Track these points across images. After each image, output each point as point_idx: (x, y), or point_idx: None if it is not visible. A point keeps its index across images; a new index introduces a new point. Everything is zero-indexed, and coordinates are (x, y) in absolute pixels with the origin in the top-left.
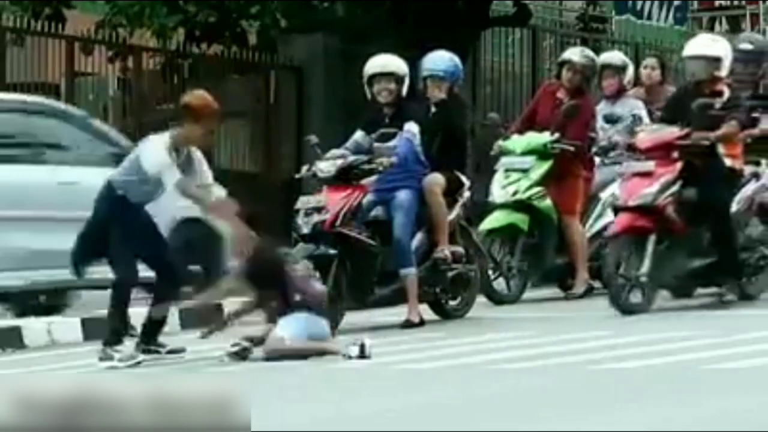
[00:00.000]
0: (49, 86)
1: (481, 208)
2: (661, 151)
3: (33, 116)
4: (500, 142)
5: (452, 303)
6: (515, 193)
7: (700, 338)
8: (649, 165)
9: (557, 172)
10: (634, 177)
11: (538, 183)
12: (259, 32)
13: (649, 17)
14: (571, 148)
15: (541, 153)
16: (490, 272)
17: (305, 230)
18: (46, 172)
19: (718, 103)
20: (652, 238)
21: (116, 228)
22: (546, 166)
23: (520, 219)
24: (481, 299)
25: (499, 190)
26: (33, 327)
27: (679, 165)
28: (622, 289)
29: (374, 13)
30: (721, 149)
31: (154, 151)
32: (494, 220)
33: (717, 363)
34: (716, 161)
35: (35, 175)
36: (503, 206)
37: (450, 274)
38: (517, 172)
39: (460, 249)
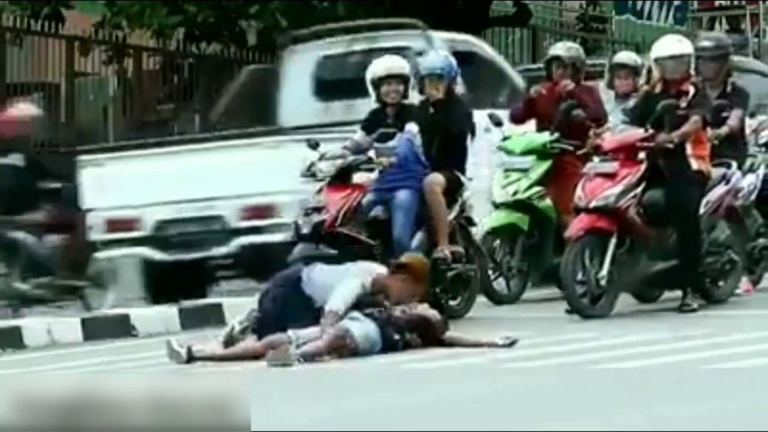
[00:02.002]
0: (49, 86)
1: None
2: (625, 152)
3: None
4: (500, 143)
5: (452, 303)
6: (515, 193)
7: (700, 338)
8: (613, 166)
9: (557, 172)
10: (597, 177)
11: (537, 183)
12: (258, 32)
13: (649, 17)
14: (570, 148)
15: (540, 153)
16: (490, 272)
17: (305, 230)
18: None
19: (683, 102)
20: (613, 240)
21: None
22: (545, 165)
23: (520, 219)
24: (481, 299)
25: (498, 190)
26: (33, 327)
27: (643, 166)
28: (584, 293)
29: (374, 13)
30: (688, 150)
31: (347, 290)
32: (494, 219)
33: (717, 363)
34: (682, 163)
35: None
36: (503, 206)
37: (450, 274)
38: (516, 172)
39: (460, 249)
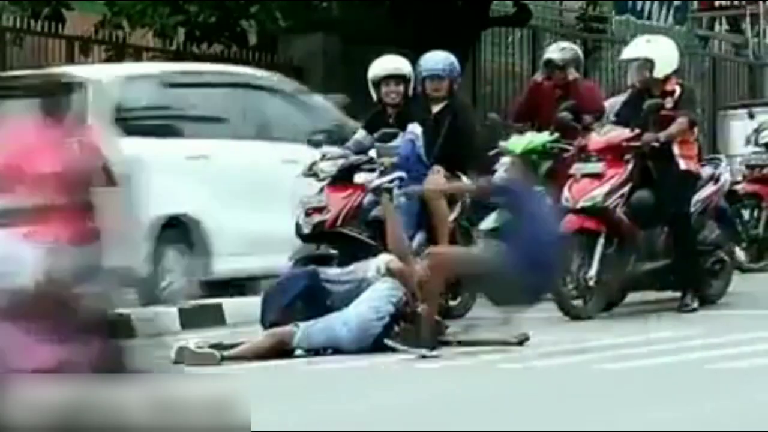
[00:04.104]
0: None
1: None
2: (612, 153)
3: None
4: (501, 142)
5: (452, 303)
6: None
7: (700, 338)
8: (599, 166)
9: (557, 172)
10: (584, 178)
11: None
12: (259, 32)
13: (649, 17)
14: (570, 148)
15: (540, 153)
16: None
17: (306, 230)
18: None
19: (669, 102)
20: (601, 240)
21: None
22: (545, 165)
23: None
24: (481, 299)
25: None
26: None
27: (629, 166)
28: (572, 293)
29: (374, 13)
30: (675, 150)
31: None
32: (494, 220)
33: (717, 363)
34: (671, 163)
35: None
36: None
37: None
38: None
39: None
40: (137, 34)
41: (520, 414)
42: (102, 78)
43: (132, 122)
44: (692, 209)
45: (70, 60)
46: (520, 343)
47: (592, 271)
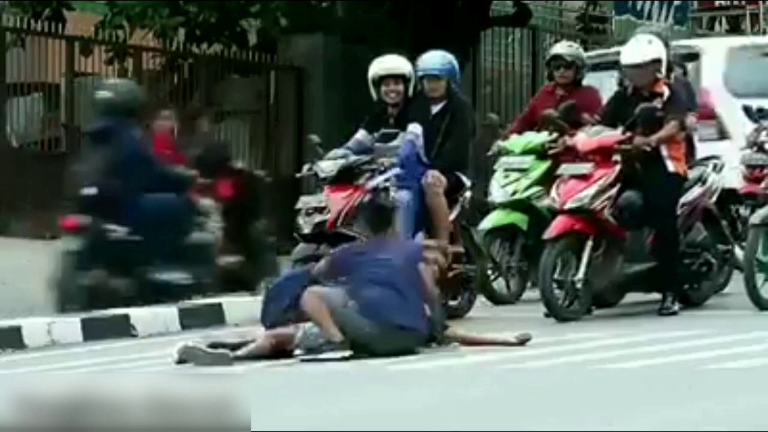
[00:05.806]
0: (49, 86)
1: (480, 207)
2: (601, 154)
3: None
4: (500, 142)
5: (452, 303)
6: (514, 193)
7: (700, 338)
8: (587, 167)
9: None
10: (572, 179)
11: (537, 182)
12: (259, 32)
13: (649, 17)
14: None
15: (540, 153)
16: (489, 272)
17: (306, 230)
18: None
19: (658, 103)
20: (589, 242)
21: None
22: (545, 165)
23: (520, 219)
24: (481, 299)
25: (498, 190)
26: (33, 327)
27: (617, 168)
28: (560, 295)
29: (374, 13)
30: (663, 152)
31: None
32: (494, 219)
33: (717, 363)
34: (658, 165)
35: None
36: (502, 206)
37: (450, 274)
38: (516, 172)
39: (460, 249)
40: (137, 35)
41: (519, 414)
42: (715, 48)
43: (739, 86)
44: (680, 211)
45: (71, 60)
46: (521, 343)
47: (580, 274)
